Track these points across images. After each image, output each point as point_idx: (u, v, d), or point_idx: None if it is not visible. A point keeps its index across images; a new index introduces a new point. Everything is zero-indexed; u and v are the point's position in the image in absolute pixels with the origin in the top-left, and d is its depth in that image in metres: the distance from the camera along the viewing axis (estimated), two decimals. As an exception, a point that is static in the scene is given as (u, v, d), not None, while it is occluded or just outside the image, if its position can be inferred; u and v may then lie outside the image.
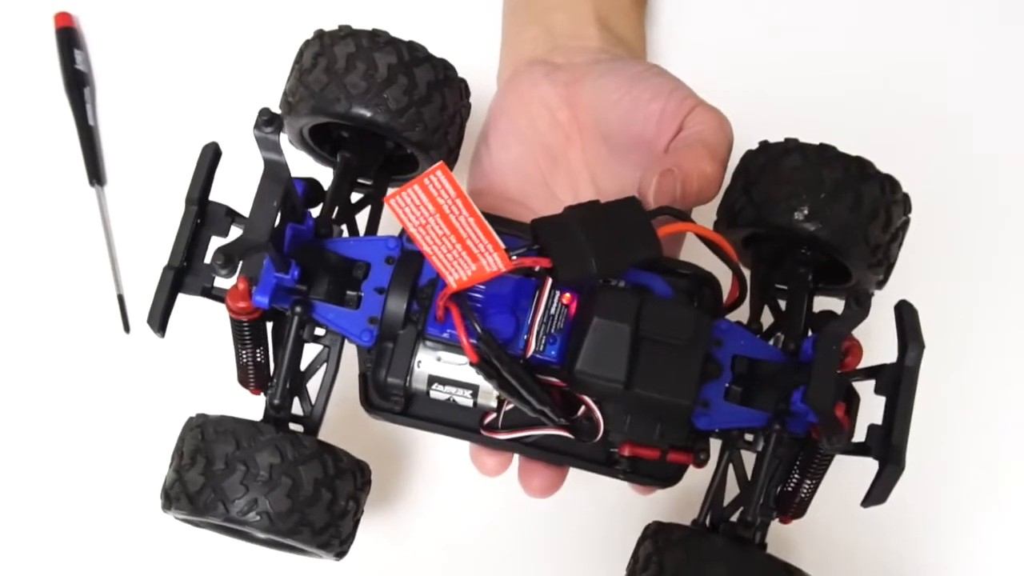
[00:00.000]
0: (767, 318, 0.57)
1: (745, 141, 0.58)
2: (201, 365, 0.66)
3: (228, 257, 0.43)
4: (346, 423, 0.60)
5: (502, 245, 0.47)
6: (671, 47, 0.75)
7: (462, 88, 0.58)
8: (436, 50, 0.57)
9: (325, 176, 0.57)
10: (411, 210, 0.47)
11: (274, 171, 0.45)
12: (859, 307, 0.47)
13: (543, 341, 0.51)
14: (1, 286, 0.71)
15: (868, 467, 0.49)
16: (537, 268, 0.50)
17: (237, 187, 0.54)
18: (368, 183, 0.59)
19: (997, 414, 0.70)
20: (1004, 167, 0.75)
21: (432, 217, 0.47)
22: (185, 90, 0.75)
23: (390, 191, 0.50)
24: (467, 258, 0.47)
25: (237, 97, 0.74)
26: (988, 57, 0.77)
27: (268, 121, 0.44)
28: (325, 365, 0.55)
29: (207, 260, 0.53)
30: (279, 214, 0.46)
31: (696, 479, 0.55)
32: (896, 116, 0.75)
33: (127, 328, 0.70)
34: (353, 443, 0.56)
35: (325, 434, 0.56)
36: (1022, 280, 0.73)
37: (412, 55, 0.55)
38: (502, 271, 0.47)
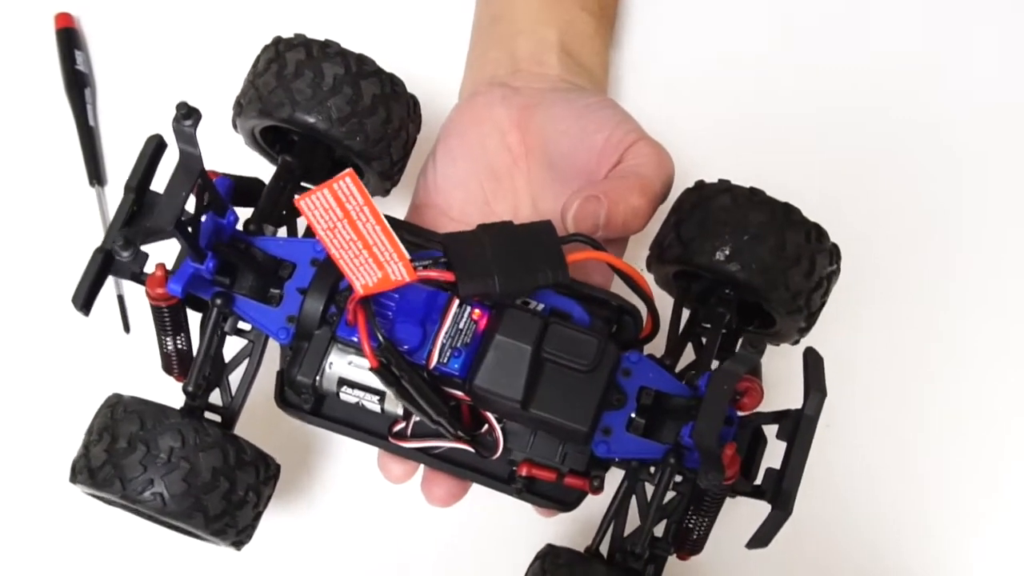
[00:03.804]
0: (689, 356, 0.58)
1: (706, 170, 0.59)
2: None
3: (127, 240, 0.44)
4: (280, 421, 0.61)
5: (407, 255, 0.48)
6: (636, 75, 0.75)
7: (410, 103, 0.60)
8: (405, 69, 0.58)
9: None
10: (320, 213, 0.48)
11: (188, 162, 0.47)
12: (753, 349, 0.48)
13: (448, 354, 0.51)
14: (1, 286, 0.71)
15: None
16: (441, 281, 0.51)
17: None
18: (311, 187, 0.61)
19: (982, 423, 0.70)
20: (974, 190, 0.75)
21: (340, 222, 0.48)
22: (185, 90, 0.74)
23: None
24: (373, 265, 0.48)
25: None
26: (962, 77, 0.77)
27: (186, 115, 0.46)
28: (248, 360, 0.56)
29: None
30: (188, 204, 0.47)
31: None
32: (867, 151, 0.75)
33: (127, 328, 0.70)
34: (277, 440, 0.57)
35: (257, 430, 0.57)
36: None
37: (360, 67, 0.57)
38: (406, 280, 0.48)
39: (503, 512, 0.62)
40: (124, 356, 0.69)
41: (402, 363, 0.50)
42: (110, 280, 0.69)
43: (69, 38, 0.75)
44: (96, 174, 0.73)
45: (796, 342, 0.59)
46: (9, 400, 0.69)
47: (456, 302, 0.51)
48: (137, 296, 0.68)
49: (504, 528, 0.65)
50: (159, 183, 0.58)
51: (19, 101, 0.75)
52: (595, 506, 0.56)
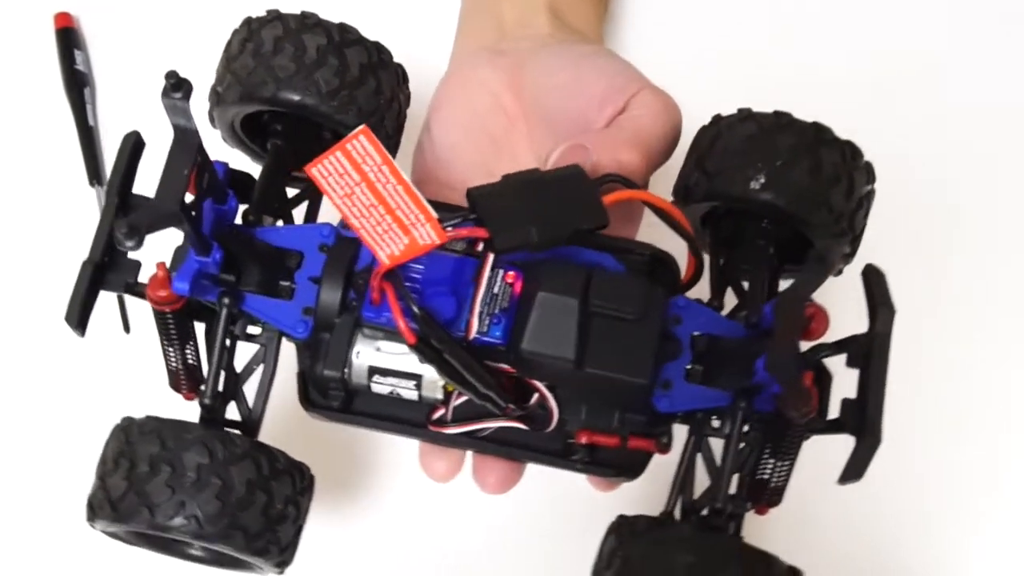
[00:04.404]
0: (731, 303, 0.55)
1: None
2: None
3: (132, 228, 0.40)
4: (296, 428, 0.57)
5: (435, 215, 0.44)
6: (633, 43, 0.73)
7: (399, 73, 0.56)
8: (389, 45, 0.55)
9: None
10: (335, 179, 0.44)
11: (184, 138, 0.42)
12: (820, 266, 0.44)
13: (486, 322, 0.47)
14: (1, 286, 0.70)
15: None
16: (475, 240, 0.47)
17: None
18: (304, 176, 0.56)
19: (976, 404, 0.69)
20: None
21: (358, 187, 0.44)
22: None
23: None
24: (398, 230, 0.44)
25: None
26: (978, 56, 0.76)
27: (175, 86, 0.42)
28: (262, 365, 0.52)
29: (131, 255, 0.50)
30: (191, 186, 0.43)
31: (665, 475, 0.52)
32: (880, 106, 0.74)
33: (127, 328, 0.68)
34: (296, 450, 0.52)
35: (271, 441, 0.52)
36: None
37: (343, 36, 0.53)
38: (436, 243, 0.44)
39: (552, 497, 0.59)
40: (124, 356, 0.68)
41: (442, 334, 0.46)
42: None
43: (69, 38, 0.75)
44: (96, 174, 0.72)
45: (839, 272, 0.56)
46: (9, 400, 0.68)
47: (489, 264, 0.47)
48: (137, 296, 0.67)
49: (557, 513, 0.62)
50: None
51: (19, 101, 0.75)
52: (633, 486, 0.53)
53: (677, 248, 0.52)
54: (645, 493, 0.54)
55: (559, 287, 0.46)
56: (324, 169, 0.43)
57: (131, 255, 0.50)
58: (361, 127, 0.43)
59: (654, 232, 0.55)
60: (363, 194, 0.44)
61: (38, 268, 0.70)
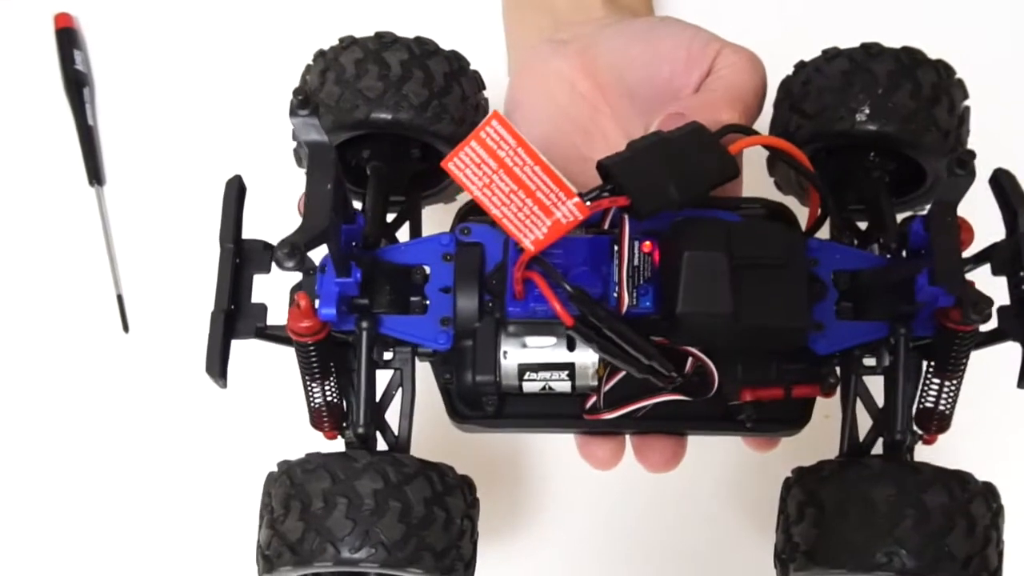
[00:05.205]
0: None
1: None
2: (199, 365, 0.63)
3: (293, 246, 0.39)
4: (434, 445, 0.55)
5: (575, 190, 0.43)
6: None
7: (477, 78, 0.56)
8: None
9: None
10: (472, 171, 0.43)
11: (319, 154, 0.42)
12: (963, 171, 0.44)
13: (634, 294, 0.47)
14: (1, 286, 0.70)
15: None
16: (602, 216, 0.47)
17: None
18: (401, 199, 0.56)
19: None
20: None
21: (496, 174, 0.43)
22: (185, 90, 0.75)
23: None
24: (540, 213, 0.43)
25: (237, 97, 0.74)
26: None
27: (303, 103, 0.41)
28: (400, 390, 0.51)
29: (254, 299, 0.49)
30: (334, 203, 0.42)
31: (793, 444, 0.51)
32: None
33: (126, 328, 0.69)
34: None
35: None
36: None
37: (423, 49, 0.53)
38: (579, 219, 0.43)
39: (706, 469, 0.58)
40: (124, 356, 0.69)
41: (598, 310, 0.45)
42: (110, 280, 0.70)
43: (68, 38, 0.76)
44: (95, 174, 0.73)
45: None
46: (8, 399, 0.68)
47: (627, 234, 0.47)
48: (137, 296, 0.70)
49: (714, 485, 0.60)
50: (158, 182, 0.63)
51: (19, 101, 0.75)
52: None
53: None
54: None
55: (703, 244, 0.45)
56: (460, 162, 0.43)
57: (255, 299, 0.49)
58: (491, 112, 0.43)
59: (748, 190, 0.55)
60: (502, 181, 0.43)
61: (38, 267, 0.70)
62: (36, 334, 0.69)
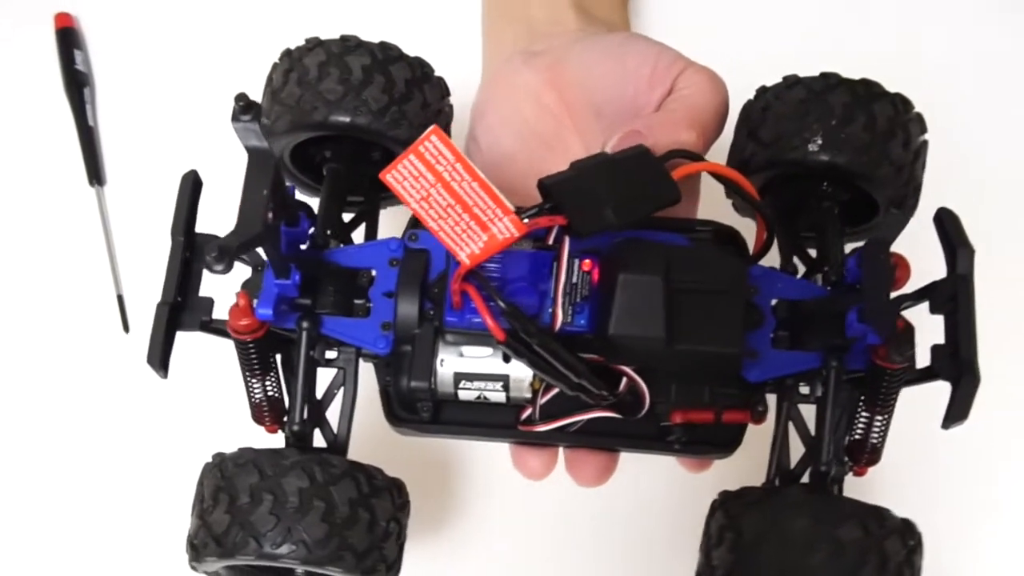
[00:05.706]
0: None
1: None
2: (200, 365, 0.63)
3: (222, 250, 0.40)
4: (374, 450, 0.56)
5: (512, 208, 0.44)
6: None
7: (442, 85, 0.56)
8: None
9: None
10: (411, 183, 0.44)
11: (259, 159, 0.42)
12: (898, 210, 0.44)
13: (570, 311, 0.47)
14: (1, 286, 0.70)
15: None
16: (545, 233, 0.47)
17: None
18: (359, 199, 0.57)
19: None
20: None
21: (433, 188, 0.44)
22: (185, 90, 0.76)
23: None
24: (476, 228, 0.44)
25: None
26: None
27: (245, 108, 0.42)
28: (342, 389, 0.51)
29: (208, 293, 0.50)
30: (272, 207, 0.43)
31: (738, 460, 0.51)
32: None
33: (126, 328, 0.69)
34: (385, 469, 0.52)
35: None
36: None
37: (386, 54, 0.53)
38: (515, 236, 0.44)
39: (638, 485, 0.58)
40: (124, 356, 0.69)
41: (530, 326, 0.45)
42: (110, 280, 0.70)
43: (68, 38, 0.76)
44: (95, 174, 0.73)
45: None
46: (8, 399, 0.68)
47: (566, 252, 0.47)
48: (137, 296, 0.70)
49: (646, 501, 0.61)
50: (158, 182, 0.60)
51: (19, 101, 0.75)
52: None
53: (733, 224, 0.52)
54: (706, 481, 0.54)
55: (640, 267, 0.46)
56: (399, 174, 0.43)
57: (202, 293, 0.50)
58: (431, 127, 0.43)
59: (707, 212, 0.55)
60: (439, 195, 0.43)
61: (39, 267, 0.70)
62: (36, 334, 0.69)
